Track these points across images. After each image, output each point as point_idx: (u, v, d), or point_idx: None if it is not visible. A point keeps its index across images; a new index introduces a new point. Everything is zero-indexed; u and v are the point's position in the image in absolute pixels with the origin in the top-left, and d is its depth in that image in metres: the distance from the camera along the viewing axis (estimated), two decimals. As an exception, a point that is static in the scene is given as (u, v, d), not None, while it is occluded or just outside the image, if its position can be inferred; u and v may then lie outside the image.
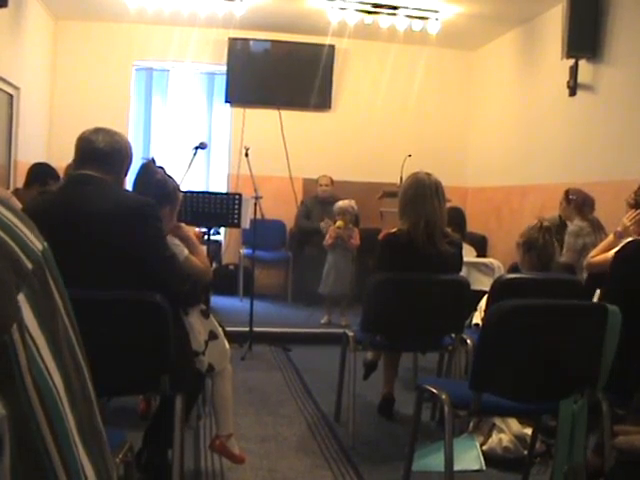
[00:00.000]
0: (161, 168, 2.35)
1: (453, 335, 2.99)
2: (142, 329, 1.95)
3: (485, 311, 2.44)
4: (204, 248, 3.34)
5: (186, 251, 2.30)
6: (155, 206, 2.04)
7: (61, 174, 3.95)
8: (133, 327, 1.94)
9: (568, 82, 5.13)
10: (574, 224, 3.95)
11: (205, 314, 2.37)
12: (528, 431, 2.69)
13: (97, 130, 2.12)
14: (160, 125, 6.95)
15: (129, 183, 2.31)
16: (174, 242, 2.28)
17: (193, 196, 4.21)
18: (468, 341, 2.93)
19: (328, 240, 5.26)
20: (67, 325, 0.43)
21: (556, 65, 5.28)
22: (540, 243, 2.55)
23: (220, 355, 2.38)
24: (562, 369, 1.97)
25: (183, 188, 2.55)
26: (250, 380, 3.90)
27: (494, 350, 1.98)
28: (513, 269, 3.10)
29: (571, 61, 5.06)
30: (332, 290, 5.28)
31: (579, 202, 3.98)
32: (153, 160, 2.34)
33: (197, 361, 2.26)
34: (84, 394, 0.42)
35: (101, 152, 2.06)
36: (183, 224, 2.45)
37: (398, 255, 2.88)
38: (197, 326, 2.30)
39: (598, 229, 3.88)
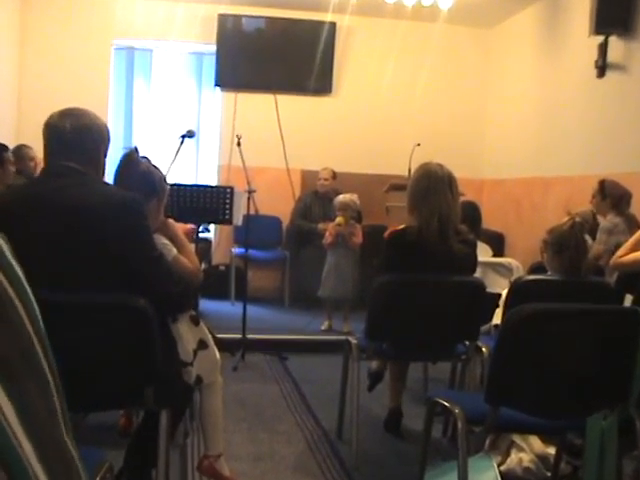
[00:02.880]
0: (145, 159, 2.34)
1: (467, 343, 2.99)
2: (124, 337, 1.94)
3: (502, 316, 2.43)
4: (193, 247, 3.33)
5: (174, 250, 2.30)
6: (140, 201, 2.04)
7: (40, 164, 3.94)
8: (114, 334, 1.94)
9: (596, 62, 5.12)
10: (607, 220, 3.93)
11: (195, 321, 2.37)
12: (551, 450, 2.68)
13: (64, 114, 2.07)
14: (143, 111, 6.94)
15: (109, 175, 2.29)
16: (162, 241, 2.28)
17: (180, 189, 4.20)
18: (483, 349, 2.93)
19: (328, 238, 5.25)
20: (30, 334, 0.42)
21: (583, 43, 5.27)
22: (573, 243, 2.51)
23: (210, 366, 2.38)
24: (590, 381, 1.96)
25: (169, 180, 2.54)
26: (243, 393, 3.89)
27: (512, 359, 1.98)
28: (534, 270, 3.09)
29: (600, 38, 5.03)
30: (333, 293, 5.28)
31: (616, 196, 3.95)
32: (136, 149, 2.33)
33: (185, 372, 2.25)
34: (48, 409, 0.41)
35: (71, 140, 2.03)
36: (171, 220, 2.44)
37: (406, 254, 2.87)
38: (186, 334, 2.30)
39: (633, 226, 3.85)
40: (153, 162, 2.37)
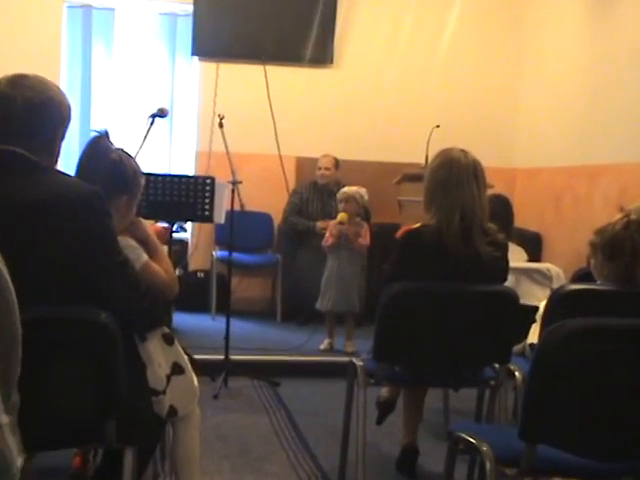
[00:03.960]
0: (121, 150, 2.35)
1: (497, 366, 2.99)
2: (80, 359, 1.94)
3: (540, 333, 2.42)
4: (166, 250, 3.32)
5: (145, 256, 2.30)
6: (100, 195, 2.03)
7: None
8: (68, 357, 1.93)
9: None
10: None
11: (168, 340, 2.37)
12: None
13: (14, 83, 2.01)
14: (103, 85, 6.92)
15: (62, 165, 2.28)
16: (129, 243, 2.28)
17: (150, 180, 4.19)
18: (517, 374, 2.93)
19: (328, 239, 5.25)
20: None
21: None
22: (628, 246, 2.47)
23: (186, 394, 2.37)
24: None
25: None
26: (225, 426, 3.88)
27: (552, 386, 1.97)
28: (579, 278, 3.08)
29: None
30: (334, 305, 5.28)
31: None
32: (106, 134, 2.32)
33: (155, 402, 2.25)
34: None
35: (22, 119, 2.01)
36: (141, 219, 2.45)
37: (422, 259, 2.87)
38: (157, 356, 2.30)
39: None
40: (126, 150, 2.38)
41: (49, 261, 1.96)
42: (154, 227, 2.69)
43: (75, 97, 6.79)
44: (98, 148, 2.30)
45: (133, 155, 2.43)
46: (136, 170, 2.37)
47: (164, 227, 3.30)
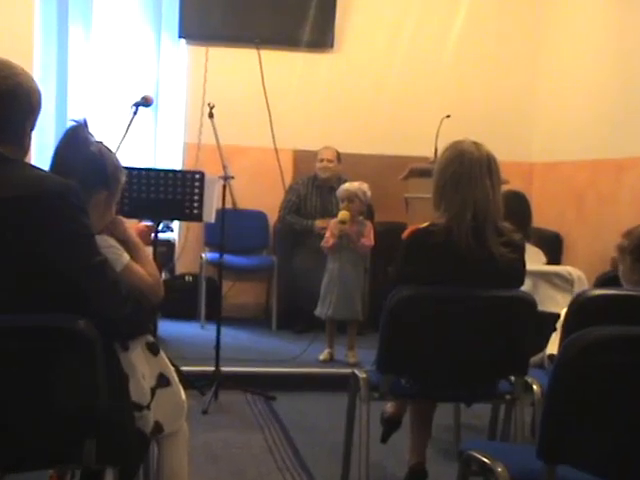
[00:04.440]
0: (100, 143, 2.34)
1: (513, 378, 2.99)
2: (56, 371, 1.92)
3: (560, 343, 2.42)
4: (151, 251, 3.31)
5: (126, 257, 2.30)
6: (76, 190, 2.03)
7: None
8: (42, 368, 1.91)
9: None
10: None
11: (153, 349, 2.37)
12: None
13: None
14: (82, 70, 6.90)
15: (36, 158, 2.28)
16: (109, 244, 2.28)
17: (133, 175, 4.19)
18: (535, 387, 2.93)
19: (329, 239, 5.25)
20: None
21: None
22: None
23: (172, 409, 2.37)
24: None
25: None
26: (215, 444, 3.88)
27: (573, 402, 1.96)
28: (603, 282, 3.07)
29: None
30: (335, 312, 5.27)
31: None
32: (85, 124, 2.32)
33: (139, 418, 2.24)
34: None
35: None
36: (121, 218, 2.44)
37: (431, 261, 2.87)
38: (141, 367, 2.30)
39: None
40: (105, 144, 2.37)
41: (18, 263, 1.95)
42: (136, 226, 2.69)
43: (50, 84, 6.77)
44: (75, 139, 2.29)
45: (115, 148, 2.43)
46: (117, 165, 2.37)
47: (147, 225, 3.28)
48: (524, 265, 3.02)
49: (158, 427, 2.31)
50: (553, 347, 3.12)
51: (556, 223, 6.51)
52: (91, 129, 2.35)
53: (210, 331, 5.22)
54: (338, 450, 3.34)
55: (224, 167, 4.68)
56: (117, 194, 2.39)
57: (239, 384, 4.72)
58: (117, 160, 2.39)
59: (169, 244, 6.62)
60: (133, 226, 2.62)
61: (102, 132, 4.01)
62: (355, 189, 5.21)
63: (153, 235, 4.28)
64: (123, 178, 2.41)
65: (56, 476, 2.98)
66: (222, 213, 4.72)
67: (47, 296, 1.98)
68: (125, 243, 2.35)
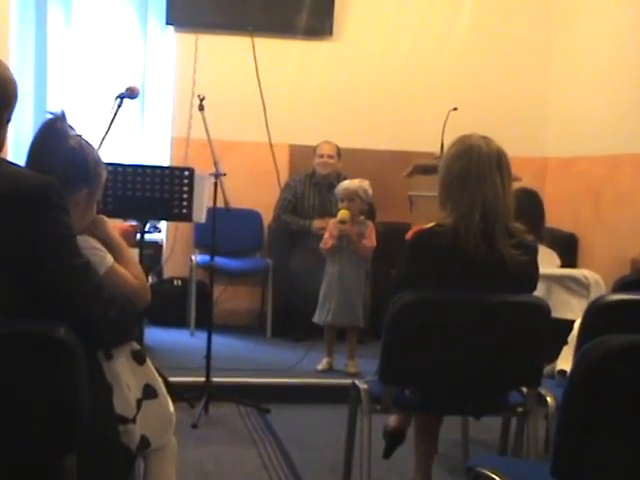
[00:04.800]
0: (80, 136, 2.34)
1: (525, 390, 2.99)
2: (34, 382, 1.92)
3: (575, 352, 2.42)
4: (136, 253, 3.31)
5: (110, 258, 2.30)
6: (56, 188, 2.03)
7: None
8: (19, 380, 1.92)
9: None
10: None
11: (139, 358, 2.37)
12: None
13: None
14: (61, 59, 6.89)
15: (12, 154, 2.27)
16: (91, 245, 2.28)
17: (117, 172, 4.19)
18: (548, 399, 2.93)
19: (327, 241, 5.25)
20: None
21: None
22: None
23: (159, 423, 2.37)
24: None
25: (104, 159, 2.53)
26: (206, 460, 3.87)
27: (589, 416, 1.96)
28: (622, 286, 3.07)
29: None
30: (335, 318, 5.28)
31: None
32: (63, 116, 2.32)
33: (124, 432, 2.24)
34: None
35: None
36: (104, 217, 2.44)
37: (437, 264, 2.88)
38: (125, 377, 2.30)
39: None
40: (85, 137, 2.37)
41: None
42: (119, 226, 2.68)
43: (28, 74, 6.76)
44: (54, 132, 2.29)
45: (97, 143, 2.44)
46: (98, 160, 2.37)
47: (131, 225, 3.27)
48: (537, 268, 3.03)
49: (144, 442, 2.30)
50: (564, 362, 3.13)
51: (571, 223, 6.51)
52: (71, 122, 2.35)
53: (200, 339, 5.22)
54: (338, 467, 3.34)
55: (215, 163, 4.68)
56: (99, 191, 2.39)
57: (231, 396, 4.72)
58: (98, 155, 2.40)
59: (156, 246, 6.62)
60: (117, 226, 2.61)
61: (83, 125, 3.97)
62: (355, 187, 5.21)
63: (139, 236, 4.27)
64: (105, 174, 2.41)
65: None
66: (213, 212, 4.72)
67: (25, 301, 1.98)
68: (108, 244, 2.36)
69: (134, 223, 4.08)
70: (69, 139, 2.30)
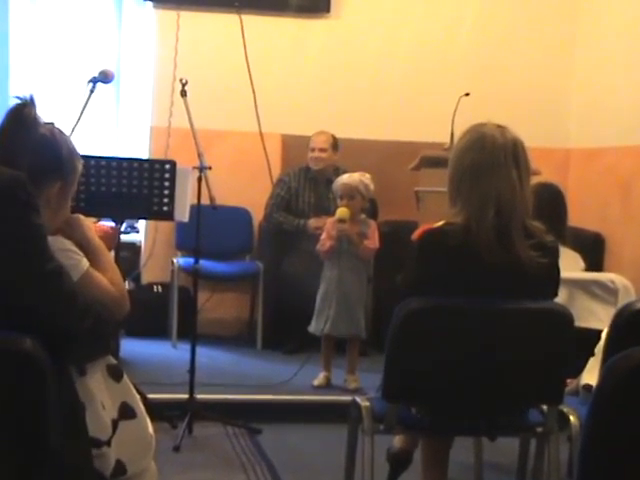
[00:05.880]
0: (51, 124, 2.34)
1: (545, 407, 2.99)
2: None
3: (602, 365, 2.42)
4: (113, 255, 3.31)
5: (85, 262, 2.30)
6: (23, 183, 2.03)
7: None
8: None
9: None
10: None
11: (115, 373, 2.37)
12: None
13: None
14: (26, 40, 6.88)
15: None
16: (64, 247, 2.28)
17: (90, 165, 4.19)
18: (571, 418, 2.93)
19: (325, 242, 5.25)
20: None
21: None
22: None
23: (137, 445, 2.37)
24: None
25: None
26: (190, 487, 3.89)
27: (618, 436, 1.97)
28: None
29: None
30: (333, 328, 5.28)
31: None
32: (32, 101, 2.32)
33: (97, 457, 2.24)
34: None
35: None
36: (80, 216, 2.45)
37: (447, 267, 2.88)
38: (100, 395, 2.30)
39: None
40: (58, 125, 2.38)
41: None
42: (99, 227, 2.68)
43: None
44: (21, 120, 2.28)
45: (68, 133, 2.43)
46: (72, 149, 2.37)
47: (112, 227, 3.26)
48: (558, 272, 3.03)
49: (120, 467, 2.30)
50: (590, 376, 3.13)
51: (597, 221, 6.51)
52: (39, 109, 2.35)
53: (183, 351, 5.22)
54: (336, 493, 3.35)
55: (199, 155, 4.68)
56: (73, 185, 2.39)
57: (218, 415, 4.72)
58: (72, 144, 2.39)
59: (134, 248, 6.62)
60: (95, 227, 2.61)
61: (52, 113, 3.94)
62: (356, 182, 5.20)
63: (117, 238, 4.28)
64: (80, 166, 2.41)
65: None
66: (197, 210, 4.72)
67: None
68: (84, 246, 2.36)
69: (114, 225, 4.08)
70: (39, 127, 2.30)
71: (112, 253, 3.23)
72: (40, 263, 2.06)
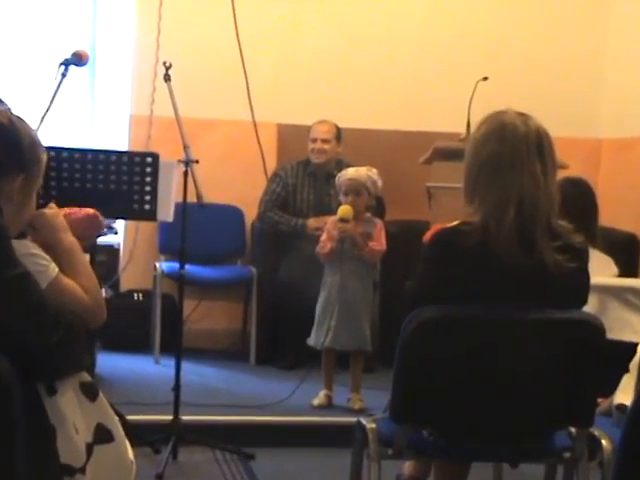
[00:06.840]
0: (9, 110, 2.34)
1: (573, 430, 2.99)
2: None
3: (638, 383, 2.43)
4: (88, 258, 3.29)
5: (54, 268, 2.30)
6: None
7: None
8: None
9: None
10: None
11: (89, 392, 2.37)
12: None
13: None
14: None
15: None
16: (30, 250, 2.28)
17: (62, 158, 4.18)
18: (603, 442, 2.92)
19: (325, 244, 5.25)
20: None
21: None
22: None
23: (115, 473, 2.37)
24: None
25: (44, 142, 2.54)
26: (175, 519, 3.89)
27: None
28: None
29: None
30: (335, 341, 5.28)
31: None
32: None
33: (70, 485, 2.24)
34: None
35: None
36: (50, 211, 2.44)
37: (462, 271, 2.88)
38: (73, 416, 2.29)
39: None
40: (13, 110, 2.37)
41: None
42: (75, 214, 2.64)
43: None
44: None
45: (37, 121, 2.43)
46: (34, 140, 2.37)
47: (93, 212, 3.07)
48: (587, 278, 3.02)
49: (96, 497, 2.31)
50: (624, 395, 3.12)
51: (632, 221, 6.52)
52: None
53: (167, 367, 5.23)
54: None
55: (185, 147, 4.68)
56: (38, 179, 2.38)
57: (205, 438, 4.72)
58: (35, 133, 2.39)
59: (112, 251, 6.63)
60: (73, 212, 2.59)
61: (17, 100, 3.93)
62: (364, 178, 5.20)
63: (102, 227, 4.24)
64: (45, 157, 2.41)
65: None
66: (183, 209, 4.72)
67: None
68: (53, 248, 2.35)
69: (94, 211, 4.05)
70: None
71: (86, 256, 3.20)
72: (2, 269, 2.06)
